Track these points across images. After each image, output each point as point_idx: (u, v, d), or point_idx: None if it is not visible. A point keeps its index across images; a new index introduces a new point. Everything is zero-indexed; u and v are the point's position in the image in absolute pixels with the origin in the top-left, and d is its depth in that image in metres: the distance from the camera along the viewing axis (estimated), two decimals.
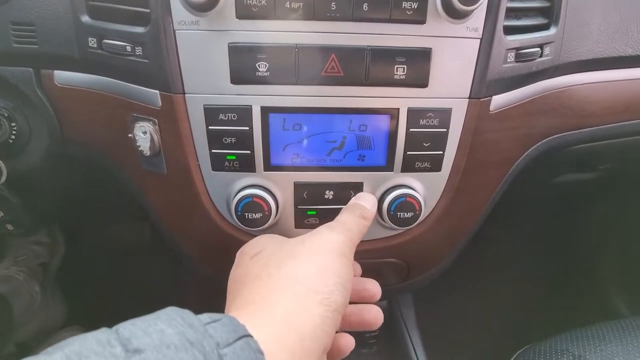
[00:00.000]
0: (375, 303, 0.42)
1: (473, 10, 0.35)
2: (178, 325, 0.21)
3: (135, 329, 0.21)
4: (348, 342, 0.39)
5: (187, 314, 0.23)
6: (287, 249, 0.33)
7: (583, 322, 0.60)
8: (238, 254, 0.37)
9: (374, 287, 0.41)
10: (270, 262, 0.32)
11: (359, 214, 0.37)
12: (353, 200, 0.40)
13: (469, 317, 0.98)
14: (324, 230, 0.35)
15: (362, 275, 0.44)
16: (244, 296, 0.30)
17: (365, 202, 0.39)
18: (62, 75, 0.43)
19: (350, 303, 0.42)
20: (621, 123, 0.53)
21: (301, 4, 0.34)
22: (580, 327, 0.58)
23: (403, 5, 0.35)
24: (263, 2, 0.34)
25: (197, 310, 0.24)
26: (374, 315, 0.40)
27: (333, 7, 0.35)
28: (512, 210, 0.85)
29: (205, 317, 0.23)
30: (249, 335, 0.23)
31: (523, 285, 1.04)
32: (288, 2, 0.34)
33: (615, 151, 0.59)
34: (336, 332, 0.40)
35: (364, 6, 0.35)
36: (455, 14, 0.35)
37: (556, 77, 0.46)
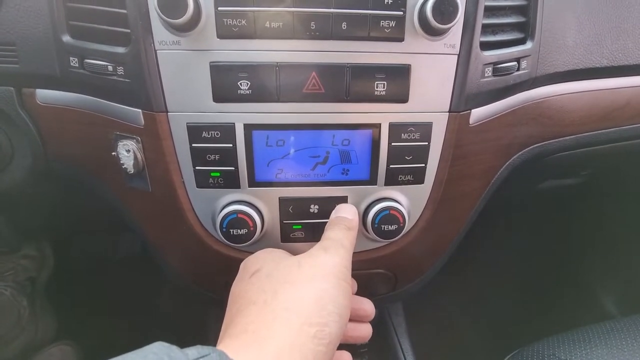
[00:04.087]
0: None
1: (450, 28, 0.36)
2: None
3: None
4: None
5: (174, 351, 0.23)
6: (283, 272, 0.33)
7: (573, 323, 0.61)
8: (240, 267, 0.37)
9: (369, 308, 0.43)
10: (266, 286, 0.32)
11: (345, 227, 0.38)
12: (334, 214, 0.40)
13: (459, 324, 0.99)
14: (320, 253, 0.34)
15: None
16: (238, 323, 0.30)
17: (346, 214, 0.39)
18: (44, 94, 0.43)
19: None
20: (599, 131, 0.54)
21: (281, 23, 0.35)
22: (567, 331, 0.59)
23: (381, 23, 0.36)
24: (243, 22, 0.35)
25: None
26: (366, 332, 0.42)
27: (313, 26, 0.35)
28: (499, 216, 0.87)
29: (194, 352, 0.23)
30: None
31: (512, 290, 1.05)
32: (268, 22, 0.35)
33: (595, 158, 0.61)
34: None
35: (343, 25, 0.35)
36: (432, 32, 0.36)
37: (534, 88, 0.47)
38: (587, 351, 0.55)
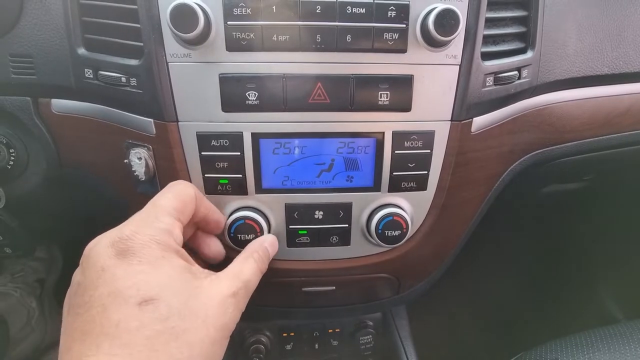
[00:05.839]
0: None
1: (451, 40, 0.37)
2: None
3: None
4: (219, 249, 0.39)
5: None
6: (188, 320, 0.27)
7: (577, 327, 0.61)
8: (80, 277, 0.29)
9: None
10: (161, 339, 0.26)
11: (259, 269, 0.36)
12: (257, 244, 0.38)
13: (462, 327, 0.99)
14: (230, 304, 0.30)
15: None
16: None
17: (271, 247, 0.39)
18: (59, 104, 0.44)
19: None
20: (601, 137, 0.55)
21: (288, 36, 0.36)
22: (570, 335, 0.59)
23: (385, 36, 0.37)
24: (252, 35, 0.36)
25: None
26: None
27: (318, 39, 0.36)
28: (504, 220, 0.87)
29: None
30: None
31: (516, 293, 1.06)
32: (275, 35, 0.36)
33: (597, 163, 0.61)
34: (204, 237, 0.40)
35: (348, 37, 0.37)
36: (434, 43, 0.37)
37: (535, 96, 0.48)
38: (590, 356, 0.55)
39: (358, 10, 0.36)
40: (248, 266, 0.35)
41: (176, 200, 0.33)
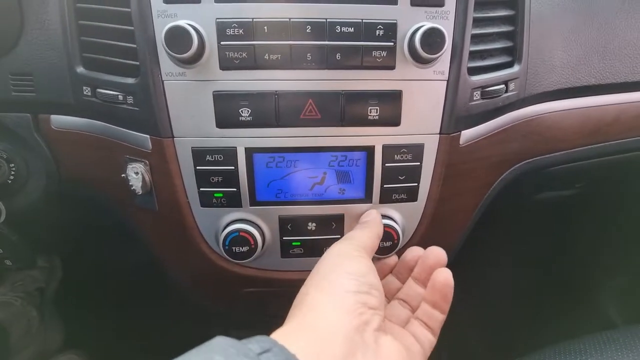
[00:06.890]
0: None
1: (438, 57, 0.38)
2: (233, 355, 0.23)
3: None
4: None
5: (238, 344, 0.24)
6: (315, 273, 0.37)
7: (575, 332, 0.61)
8: None
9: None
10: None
11: (369, 229, 0.41)
12: (361, 219, 0.43)
13: (461, 332, 0.99)
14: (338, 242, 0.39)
15: None
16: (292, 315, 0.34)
17: (366, 217, 0.43)
18: (58, 120, 0.45)
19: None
20: (590, 146, 0.56)
21: (279, 55, 0.37)
22: (564, 341, 0.60)
23: (373, 53, 0.38)
24: (244, 54, 0.37)
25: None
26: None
27: (309, 57, 0.38)
28: (500, 226, 0.88)
29: (255, 346, 0.25)
30: None
31: (515, 298, 1.06)
32: (267, 54, 0.37)
33: (588, 171, 0.62)
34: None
35: (337, 55, 0.38)
36: (421, 60, 0.38)
37: (523, 108, 0.49)
38: None
39: (347, 29, 0.37)
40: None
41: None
